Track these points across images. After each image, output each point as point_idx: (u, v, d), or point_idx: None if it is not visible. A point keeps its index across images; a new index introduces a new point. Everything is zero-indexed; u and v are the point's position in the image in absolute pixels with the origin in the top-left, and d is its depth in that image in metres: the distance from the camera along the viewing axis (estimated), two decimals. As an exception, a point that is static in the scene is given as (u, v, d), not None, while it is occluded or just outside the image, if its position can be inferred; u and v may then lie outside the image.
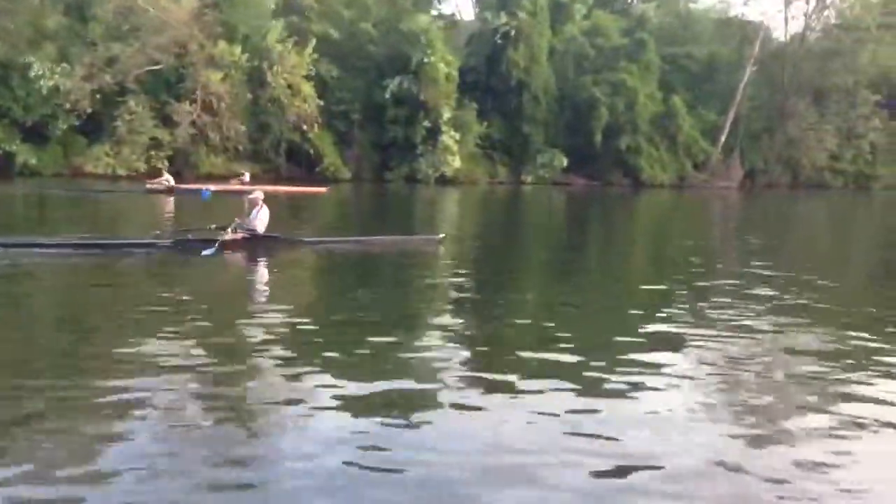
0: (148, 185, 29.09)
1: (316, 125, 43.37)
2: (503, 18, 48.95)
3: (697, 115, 54.89)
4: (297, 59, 42.68)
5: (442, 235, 14.07)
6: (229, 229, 11.74)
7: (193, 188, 27.95)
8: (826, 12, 59.11)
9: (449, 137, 45.19)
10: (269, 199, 12.86)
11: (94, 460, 3.92)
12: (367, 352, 6.26)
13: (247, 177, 32.82)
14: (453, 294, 9.35)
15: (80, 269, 10.24)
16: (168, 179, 29.61)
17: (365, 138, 47.89)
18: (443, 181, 45.91)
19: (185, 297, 8.37)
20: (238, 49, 40.89)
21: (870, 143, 57.11)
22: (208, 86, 40.06)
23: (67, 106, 38.48)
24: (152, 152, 40.05)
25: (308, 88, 42.72)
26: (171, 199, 26.18)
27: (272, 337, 6.56)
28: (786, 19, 59.88)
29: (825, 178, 57.94)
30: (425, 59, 44.62)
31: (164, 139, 40.26)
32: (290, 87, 42.12)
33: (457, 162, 46.05)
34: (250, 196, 12.53)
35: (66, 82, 38.15)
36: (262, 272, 11.27)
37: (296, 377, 5.44)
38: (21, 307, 7.91)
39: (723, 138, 55.28)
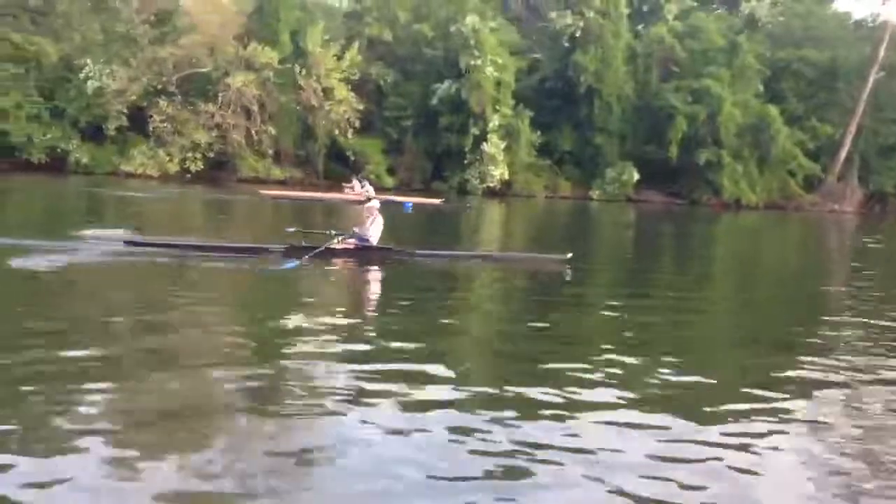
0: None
1: (350, 130, 41.90)
2: (569, 18, 44.95)
3: (810, 129, 47.42)
4: (335, 62, 41.50)
5: (570, 255, 12.37)
6: (337, 238, 11.72)
7: (395, 200, 28.21)
8: None
9: (493, 146, 41.91)
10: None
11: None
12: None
13: (357, 186, 30.88)
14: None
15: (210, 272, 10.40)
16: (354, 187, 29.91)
17: (418, 146, 45.84)
18: (493, 193, 42.81)
19: (267, 302, 8.61)
20: (273, 52, 40.28)
21: None
22: (241, 88, 39.82)
23: (116, 107, 39.78)
24: (189, 154, 40.47)
25: (344, 92, 41.37)
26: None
27: (341, 347, 6.45)
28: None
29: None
30: (473, 63, 41.82)
31: (200, 141, 40.48)
32: (324, 90, 41.00)
33: (503, 173, 42.64)
34: (367, 205, 12.50)
35: (111, 83, 39.37)
36: (365, 282, 11.27)
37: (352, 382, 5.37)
38: (99, 302, 8.13)
39: (842, 155, 47.35)
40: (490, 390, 5.34)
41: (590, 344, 7.32)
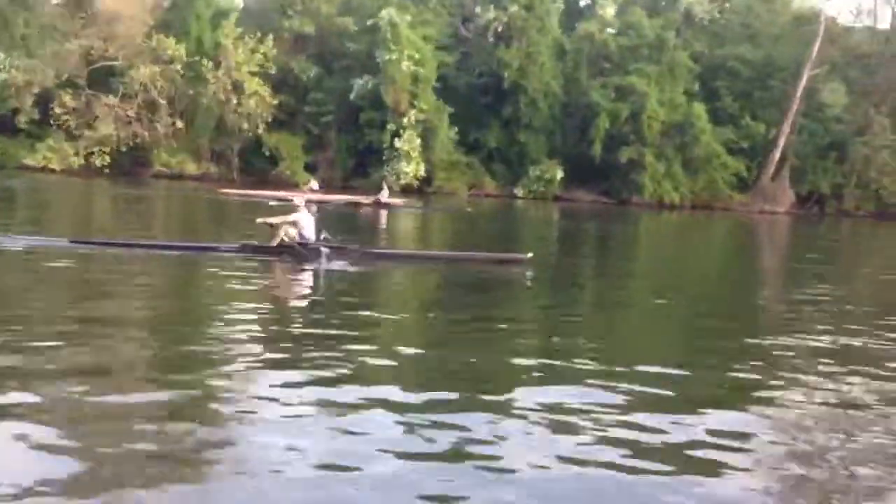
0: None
1: (263, 125, 41.14)
2: (492, 13, 43.98)
3: (744, 127, 46.22)
4: (249, 55, 40.73)
5: (530, 255, 12.57)
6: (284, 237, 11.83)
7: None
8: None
9: (406, 143, 41.01)
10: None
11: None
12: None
13: (314, 185, 31.31)
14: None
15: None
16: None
17: (341, 142, 45.07)
18: (411, 191, 41.82)
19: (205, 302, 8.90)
20: (179, 44, 39.56)
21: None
22: (147, 82, 39.14)
23: (26, 99, 39.19)
24: (96, 148, 39.82)
25: (255, 86, 40.59)
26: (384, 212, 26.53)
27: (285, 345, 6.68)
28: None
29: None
30: (388, 57, 40.90)
31: (108, 134, 39.81)
32: (234, 84, 40.22)
33: (417, 170, 41.72)
34: (292, 202, 12.68)
35: (19, 75, 38.78)
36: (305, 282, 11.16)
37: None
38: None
39: (776, 154, 46.07)
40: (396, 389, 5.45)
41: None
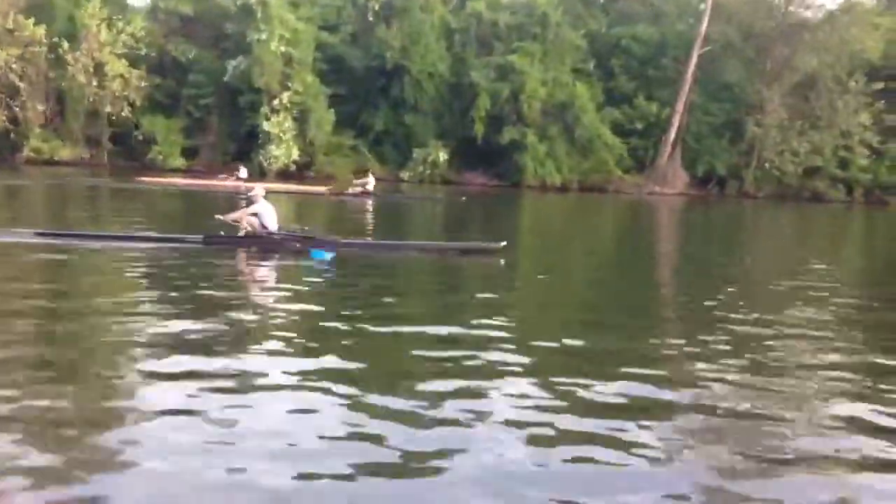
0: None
1: (127, 108, 40.13)
2: (372, -8, 43.01)
3: (638, 107, 45.28)
4: (113, 36, 39.68)
5: (503, 244, 11.91)
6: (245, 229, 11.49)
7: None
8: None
9: (274, 126, 40.01)
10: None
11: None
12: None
13: (243, 172, 30.27)
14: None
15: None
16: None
17: (222, 125, 44.06)
18: (287, 175, 40.80)
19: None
20: (38, 26, 38.50)
21: (865, 143, 44.22)
22: (2, 64, 38.11)
23: None
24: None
25: (119, 67, 39.55)
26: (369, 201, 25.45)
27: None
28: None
29: (819, 188, 45.79)
30: (258, 38, 39.88)
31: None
32: (97, 66, 39.19)
33: (288, 153, 40.72)
34: (250, 193, 12.27)
35: None
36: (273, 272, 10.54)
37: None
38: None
39: (671, 135, 45.11)
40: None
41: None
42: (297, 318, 7.07)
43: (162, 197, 24.25)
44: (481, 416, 4.47)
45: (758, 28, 44.96)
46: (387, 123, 45.00)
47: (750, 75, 45.27)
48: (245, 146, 43.90)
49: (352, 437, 4.13)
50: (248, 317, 6.97)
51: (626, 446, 4.14)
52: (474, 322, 6.93)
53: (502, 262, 11.67)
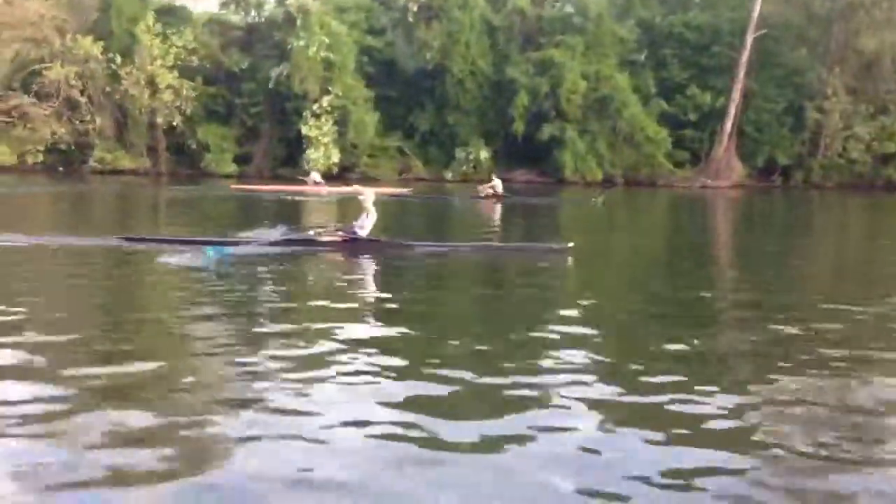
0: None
1: (178, 118, 42.02)
2: (408, -7, 43.22)
3: (692, 97, 43.54)
4: (166, 49, 41.66)
5: (571, 244, 11.90)
6: (324, 230, 11.84)
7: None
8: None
9: (314, 129, 40.94)
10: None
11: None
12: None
13: (316, 176, 32.15)
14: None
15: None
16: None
17: (272, 131, 45.45)
18: (330, 177, 41.61)
19: (251, 294, 8.36)
20: (96, 43, 40.94)
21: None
22: (62, 81, 40.79)
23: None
24: (28, 147, 41.80)
25: (170, 79, 41.48)
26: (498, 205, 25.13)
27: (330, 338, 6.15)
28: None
29: (894, 177, 42.56)
30: (297, 44, 40.95)
31: (45, 133, 41.68)
32: (149, 79, 41.27)
33: (329, 156, 41.51)
34: (360, 198, 12.35)
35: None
36: (354, 275, 10.79)
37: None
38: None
39: (728, 125, 43.12)
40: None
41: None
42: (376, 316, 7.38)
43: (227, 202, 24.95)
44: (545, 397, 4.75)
45: (815, 8, 42.29)
46: (432, 124, 45.21)
47: (810, 59, 42.64)
48: (294, 151, 45.22)
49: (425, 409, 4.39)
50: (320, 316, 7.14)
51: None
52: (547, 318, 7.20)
53: (570, 260, 11.53)
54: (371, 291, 9.14)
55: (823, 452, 3.98)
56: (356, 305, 7.87)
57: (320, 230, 11.77)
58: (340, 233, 11.63)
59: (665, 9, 46.69)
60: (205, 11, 47.19)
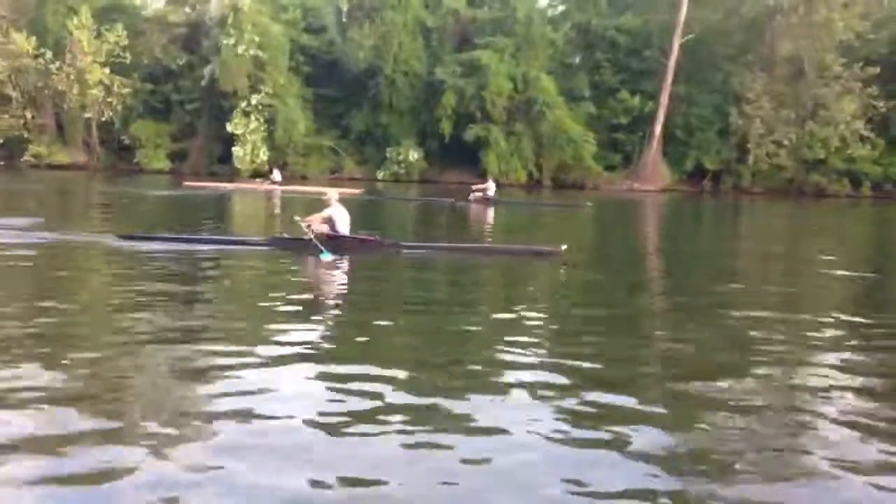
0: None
1: (108, 113, 42.41)
2: (341, -7, 43.63)
3: (622, 101, 43.91)
4: (97, 45, 42.04)
5: (565, 247, 11.66)
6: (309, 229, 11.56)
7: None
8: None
9: (237, 127, 41.34)
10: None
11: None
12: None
13: (277, 176, 32.14)
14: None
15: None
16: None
17: (210, 129, 45.71)
18: (260, 175, 41.86)
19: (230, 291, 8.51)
20: (28, 38, 41.34)
21: (858, 133, 40.96)
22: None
23: None
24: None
25: (100, 75, 41.85)
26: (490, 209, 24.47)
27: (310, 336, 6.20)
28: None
29: (822, 183, 42.87)
30: (226, 42, 41.34)
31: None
32: (79, 74, 41.63)
33: (255, 154, 41.86)
34: (324, 197, 12.24)
35: None
36: (349, 274, 10.55)
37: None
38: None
39: (656, 128, 43.43)
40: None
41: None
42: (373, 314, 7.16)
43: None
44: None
45: (737, 13, 42.68)
46: (367, 124, 45.56)
47: (737, 64, 42.99)
48: (229, 149, 45.52)
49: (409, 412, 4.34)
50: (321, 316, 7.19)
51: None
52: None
53: (564, 263, 11.30)
54: (359, 293, 8.89)
55: (749, 458, 3.92)
56: (340, 302, 8.03)
57: (308, 231, 11.37)
58: (325, 232, 11.35)
59: (602, 12, 47.01)
60: (152, 9, 47.61)
